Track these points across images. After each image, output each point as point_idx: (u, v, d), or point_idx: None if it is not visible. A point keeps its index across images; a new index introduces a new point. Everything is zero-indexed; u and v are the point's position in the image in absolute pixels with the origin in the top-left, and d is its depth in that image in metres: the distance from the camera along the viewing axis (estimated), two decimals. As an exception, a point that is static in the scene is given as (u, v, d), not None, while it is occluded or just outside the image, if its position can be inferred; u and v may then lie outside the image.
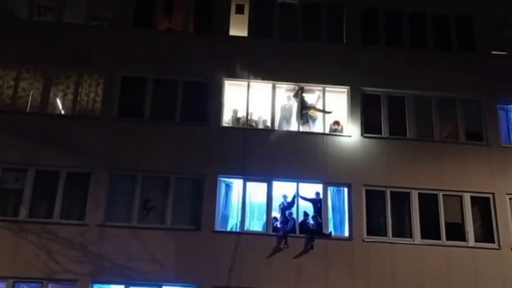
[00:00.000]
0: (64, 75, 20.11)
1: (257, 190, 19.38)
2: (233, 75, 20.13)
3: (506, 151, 20.14)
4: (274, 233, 18.64)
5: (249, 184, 19.19)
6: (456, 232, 19.11)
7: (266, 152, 19.28)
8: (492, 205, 19.43)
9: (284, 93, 20.55)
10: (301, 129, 20.07)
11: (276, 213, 19.21)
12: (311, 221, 19.04)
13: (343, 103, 20.46)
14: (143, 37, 20.59)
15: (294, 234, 18.57)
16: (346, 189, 19.37)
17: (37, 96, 19.81)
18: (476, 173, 19.71)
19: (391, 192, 19.35)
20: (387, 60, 20.83)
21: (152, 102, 19.92)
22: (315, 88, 20.61)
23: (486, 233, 19.27)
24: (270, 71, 20.28)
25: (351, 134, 19.88)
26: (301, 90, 20.41)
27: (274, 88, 20.37)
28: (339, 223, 19.28)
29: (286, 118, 20.30)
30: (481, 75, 20.93)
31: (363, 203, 19.12)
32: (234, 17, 21.37)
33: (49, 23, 20.93)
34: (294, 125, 20.20)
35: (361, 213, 18.99)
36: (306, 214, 19.11)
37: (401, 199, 19.37)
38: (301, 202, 19.19)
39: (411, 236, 18.97)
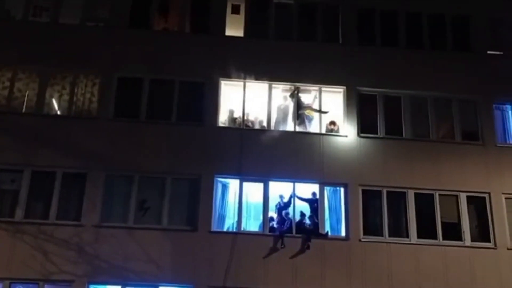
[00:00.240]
0: (60, 75, 20.08)
1: (253, 190, 19.38)
2: (229, 75, 20.14)
3: (502, 151, 20.17)
4: (270, 233, 18.65)
5: (245, 184, 19.19)
6: (453, 231, 19.13)
7: (263, 152, 19.28)
8: (488, 204, 19.46)
9: (281, 93, 20.56)
10: (297, 129, 20.07)
11: (272, 213, 19.22)
12: (307, 221, 19.05)
13: (339, 103, 20.47)
14: (139, 38, 20.57)
15: (291, 234, 18.57)
16: (342, 189, 19.38)
17: (33, 97, 19.77)
18: (472, 173, 19.74)
19: (388, 192, 19.36)
20: (383, 60, 20.85)
21: (148, 102, 19.89)
22: (311, 88, 20.62)
23: (482, 232, 19.29)
24: (266, 71, 20.28)
25: (347, 134, 19.90)
26: (297, 90, 20.42)
27: (270, 88, 20.37)
28: (335, 223, 19.29)
29: (282, 118, 20.31)
30: (477, 75, 20.97)
31: (359, 203, 19.13)
32: (230, 17, 21.37)
33: (45, 23, 20.89)
34: (290, 125, 20.21)
35: (357, 213, 19.00)
36: (302, 214, 19.13)
37: (397, 199, 19.38)
38: (298, 202, 19.19)
39: (407, 236, 18.99)
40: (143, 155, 18.99)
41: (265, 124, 20.12)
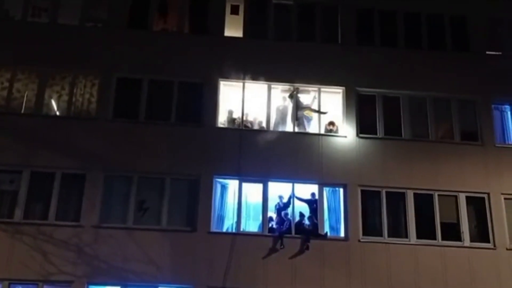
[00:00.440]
0: (59, 76, 20.07)
1: (252, 191, 19.38)
2: (229, 76, 20.14)
3: (501, 151, 20.19)
4: (270, 234, 18.64)
5: (244, 184, 19.20)
6: (452, 232, 19.15)
7: (262, 152, 19.28)
8: (487, 205, 19.49)
9: (280, 93, 20.57)
10: (297, 129, 20.07)
11: (272, 214, 19.22)
12: (307, 222, 19.06)
13: (338, 103, 20.47)
14: (138, 38, 20.56)
15: (290, 235, 18.58)
16: (341, 190, 19.39)
17: (32, 97, 19.76)
18: (471, 173, 19.76)
19: (387, 192, 19.37)
20: (382, 61, 20.86)
21: (147, 103, 19.89)
22: (310, 88, 20.62)
23: (481, 233, 19.31)
24: (266, 72, 20.28)
25: (347, 135, 19.90)
26: (297, 90, 20.42)
27: (269, 88, 20.38)
28: (334, 224, 19.29)
29: (281, 119, 20.31)
30: (476, 75, 20.98)
31: (358, 204, 19.14)
32: (229, 18, 21.36)
33: (44, 24, 20.87)
34: (289, 126, 20.21)
35: (356, 213, 19.00)
36: (302, 215, 19.14)
37: (396, 199, 19.39)
38: (297, 203, 19.20)
39: (406, 236, 19.00)
40: (142, 156, 18.97)
41: (264, 124, 20.12)
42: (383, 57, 20.93)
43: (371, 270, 18.34)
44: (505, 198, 19.55)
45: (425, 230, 19.05)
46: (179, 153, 19.16)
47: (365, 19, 21.69)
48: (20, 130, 19.01)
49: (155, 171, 18.95)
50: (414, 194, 19.43)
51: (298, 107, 20.29)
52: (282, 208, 19.14)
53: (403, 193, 19.42)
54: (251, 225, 19.65)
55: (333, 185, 19.45)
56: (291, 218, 18.90)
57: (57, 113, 19.96)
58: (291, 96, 20.38)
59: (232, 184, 19.40)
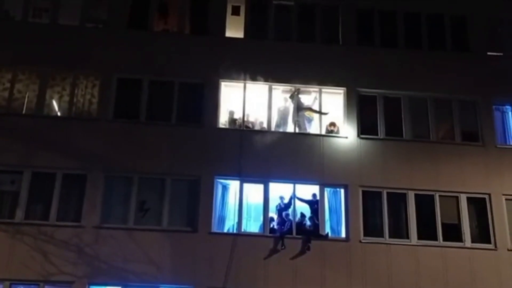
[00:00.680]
0: (59, 76, 20.07)
1: (253, 191, 19.37)
2: (230, 76, 20.16)
3: (502, 152, 20.19)
4: (271, 235, 18.63)
5: (245, 185, 19.18)
6: (453, 232, 19.13)
7: (263, 153, 19.27)
8: (488, 205, 19.47)
9: (281, 94, 20.57)
10: (297, 130, 20.06)
11: (273, 214, 19.21)
12: (308, 222, 19.06)
13: (339, 104, 20.47)
14: (139, 39, 20.56)
15: (291, 235, 18.57)
16: (342, 190, 19.37)
17: (33, 98, 19.76)
18: (472, 173, 19.75)
19: (388, 193, 19.36)
20: (383, 61, 20.85)
21: (148, 103, 19.89)
22: (311, 89, 20.62)
23: (482, 233, 19.29)
24: (266, 72, 20.29)
25: (348, 135, 19.90)
26: (298, 91, 20.42)
27: (270, 89, 20.37)
28: (335, 224, 19.29)
29: (282, 120, 20.32)
30: (476, 75, 20.97)
31: (359, 204, 19.13)
32: (230, 19, 21.35)
33: (45, 24, 20.87)
34: (290, 127, 20.21)
35: (357, 214, 18.99)
36: (303, 215, 19.14)
37: (397, 200, 19.38)
38: (298, 203, 19.18)
39: (407, 237, 18.98)
40: (143, 156, 18.97)
41: (265, 125, 20.12)
42: (383, 58, 20.94)
43: (372, 271, 18.33)
44: (506, 199, 19.53)
45: (426, 231, 19.04)
46: (180, 154, 19.15)
47: (366, 19, 21.69)
48: (21, 130, 19.01)
49: (156, 172, 18.94)
50: (415, 194, 19.42)
51: (299, 107, 20.29)
52: (283, 208, 19.12)
53: (404, 194, 19.41)
54: (252, 225, 19.64)
55: (334, 185, 19.44)
56: (292, 219, 18.88)
57: (58, 113, 19.97)
58: (292, 97, 20.38)
59: (233, 185, 19.40)
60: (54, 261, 17.62)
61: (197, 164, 19.00)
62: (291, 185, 19.27)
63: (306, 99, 20.57)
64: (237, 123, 20.09)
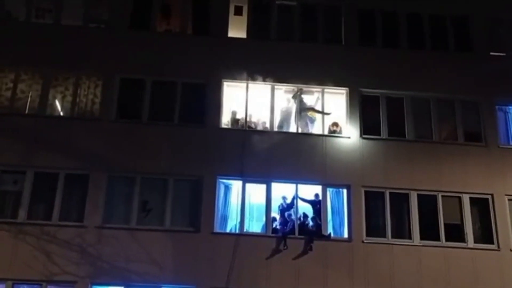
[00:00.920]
0: (62, 76, 20.09)
1: (256, 192, 19.36)
2: (232, 77, 20.17)
3: (505, 152, 20.15)
4: (273, 235, 18.62)
5: (248, 185, 19.17)
6: (455, 233, 19.10)
7: (265, 153, 19.28)
8: (491, 206, 19.43)
9: (283, 94, 20.56)
10: (300, 130, 20.06)
11: (275, 215, 19.21)
12: (310, 223, 19.05)
13: (342, 104, 20.46)
14: (141, 39, 20.58)
15: (293, 236, 18.56)
16: (345, 190, 19.36)
17: (35, 98, 19.78)
18: (475, 174, 19.72)
19: (390, 193, 19.34)
20: (386, 61, 20.86)
21: (150, 103, 19.90)
22: (314, 89, 20.63)
23: (485, 234, 19.26)
24: (269, 73, 20.29)
25: (350, 135, 19.89)
26: (300, 91, 20.43)
27: (273, 89, 20.38)
28: (338, 225, 19.27)
29: (285, 120, 20.31)
30: (479, 76, 20.94)
31: (362, 204, 19.11)
32: (232, 19, 21.35)
33: (47, 25, 20.89)
34: (293, 127, 20.21)
35: (360, 214, 18.98)
36: (305, 216, 19.13)
37: (400, 200, 19.36)
38: (300, 204, 19.18)
39: (410, 237, 18.96)
40: (145, 156, 18.98)
41: (267, 125, 20.12)
42: (386, 58, 20.94)
43: (374, 271, 18.31)
44: (509, 199, 19.50)
45: (429, 231, 19.01)
46: (182, 154, 19.16)
47: (368, 19, 21.68)
48: (24, 130, 19.02)
49: (158, 172, 18.95)
50: (418, 195, 19.40)
51: (301, 108, 20.30)
52: (285, 208, 19.12)
53: (407, 194, 19.39)
54: (255, 225, 19.65)
55: (337, 186, 19.42)
56: (294, 219, 18.88)
57: (61, 113, 20.02)
58: (294, 97, 20.38)
59: (236, 185, 19.40)
60: (57, 261, 17.64)
61: (199, 164, 19.00)
62: (293, 185, 19.26)
63: (309, 99, 20.58)
64: (239, 123, 20.10)
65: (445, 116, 20.67)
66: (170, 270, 17.92)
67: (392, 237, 18.93)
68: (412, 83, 20.65)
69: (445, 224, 19.15)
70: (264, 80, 20.26)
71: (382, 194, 19.34)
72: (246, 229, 19.03)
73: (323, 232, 18.74)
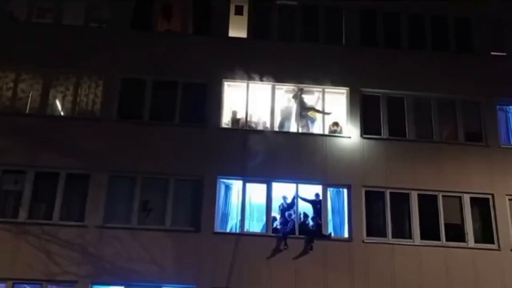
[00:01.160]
0: (63, 76, 20.11)
1: (256, 191, 19.35)
2: (233, 76, 20.15)
3: (506, 152, 20.15)
4: (273, 234, 18.62)
5: (248, 185, 19.18)
6: (456, 233, 19.10)
7: (266, 153, 19.24)
8: (491, 206, 19.44)
9: (284, 94, 20.57)
10: (301, 130, 20.06)
11: (275, 214, 19.22)
12: (310, 222, 19.06)
13: (343, 104, 20.46)
14: (142, 39, 20.60)
15: (294, 235, 18.56)
16: (345, 190, 19.37)
17: (36, 98, 19.80)
18: (476, 174, 19.71)
19: (391, 193, 19.35)
20: (386, 61, 20.86)
21: (151, 103, 19.91)
22: (314, 89, 20.63)
23: (485, 234, 19.25)
24: (270, 72, 20.26)
25: (351, 135, 19.89)
26: (301, 91, 20.43)
27: (273, 89, 20.37)
28: (338, 224, 19.28)
29: (285, 119, 20.31)
30: (480, 76, 20.94)
31: (362, 204, 19.11)
32: (233, 18, 21.36)
33: (48, 24, 20.93)
34: (293, 127, 20.21)
35: (360, 214, 18.98)
36: (305, 215, 19.13)
37: (400, 200, 19.36)
38: (301, 203, 19.19)
39: (410, 237, 18.96)
40: (146, 156, 18.98)
41: (268, 125, 20.12)
42: (387, 58, 20.94)
43: (375, 271, 18.31)
44: (509, 199, 19.51)
45: (429, 231, 19.01)
46: (183, 154, 19.16)
47: (369, 20, 21.68)
48: (25, 130, 19.01)
49: (159, 172, 18.96)
50: (418, 195, 19.40)
51: (302, 107, 20.30)
52: (286, 208, 19.14)
53: (407, 194, 19.39)
54: (255, 225, 19.65)
55: (337, 185, 19.43)
56: (295, 219, 18.88)
57: (62, 113, 20.02)
58: (295, 97, 20.38)
59: (236, 185, 19.42)
60: (57, 260, 17.66)
61: (200, 164, 19.02)
62: (294, 185, 19.27)
63: (309, 99, 20.60)
64: (240, 123, 20.10)
65: (445, 116, 20.67)
66: (171, 270, 17.93)
67: (393, 237, 18.93)
68: (413, 83, 20.64)
69: (445, 224, 19.16)
70: (264, 80, 20.24)
71: (382, 194, 19.34)
72: (247, 229, 19.02)
73: (324, 232, 18.75)
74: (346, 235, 18.96)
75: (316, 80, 20.45)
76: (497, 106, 20.86)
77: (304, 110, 20.31)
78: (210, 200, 18.71)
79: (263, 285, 17.94)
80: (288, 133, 20.06)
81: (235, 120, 20.19)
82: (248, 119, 20.10)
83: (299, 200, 19.16)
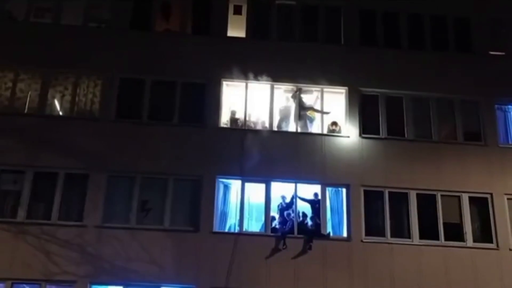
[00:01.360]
0: (62, 76, 20.10)
1: (255, 191, 19.35)
2: (231, 76, 20.13)
3: (504, 152, 20.16)
4: (272, 234, 18.62)
5: (247, 185, 19.17)
6: (455, 232, 19.10)
7: (264, 152, 19.24)
8: (490, 205, 19.44)
9: (283, 94, 20.57)
10: (299, 130, 20.06)
11: (274, 214, 19.22)
12: (309, 222, 19.06)
13: (341, 103, 20.46)
14: (141, 39, 20.60)
15: (293, 235, 18.56)
16: (344, 190, 19.37)
17: (35, 97, 19.78)
18: (474, 173, 19.72)
19: (390, 193, 19.35)
20: (385, 61, 20.86)
21: (150, 103, 19.90)
22: (313, 89, 20.63)
23: (484, 233, 19.26)
24: (268, 72, 20.26)
25: (349, 135, 19.89)
26: (299, 91, 20.43)
27: (272, 88, 20.37)
28: (337, 224, 19.27)
29: (284, 119, 20.31)
30: (478, 75, 20.95)
31: (361, 204, 19.12)
32: (232, 18, 21.36)
33: (47, 24, 20.90)
34: (292, 126, 20.20)
35: (359, 213, 18.98)
36: (304, 215, 19.14)
37: (399, 200, 19.36)
38: (300, 203, 19.19)
39: (409, 237, 18.96)
40: (145, 156, 18.99)
41: (267, 124, 20.12)
42: (386, 58, 20.94)
43: (373, 271, 18.32)
44: (508, 199, 19.52)
45: (428, 231, 19.02)
46: (181, 153, 19.16)
47: (368, 19, 21.67)
48: (23, 130, 19.01)
49: (158, 172, 18.96)
50: (417, 194, 19.40)
51: (301, 107, 20.30)
52: (284, 208, 19.14)
53: (406, 194, 19.39)
54: (254, 225, 19.66)
55: (336, 185, 19.43)
56: (293, 218, 18.89)
57: (60, 113, 20.01)
58: (294, 96, 20.38)
59: (235, 184, 19.40)
60: (56, 260, 17.65)
61: (199, 164, 19.02)
62: (292, 185, 19.26)
63: (308, 99, 20.60)
64: (238, 123, 20.10)
65: (444, 115, 20.68)
66: (170, 270, 17.93)
67: (392, 236, 18.93)
68: (412, 83, 20.64)
69: (444, 224, 19.16)
70: (263, 80, 20.23)
71: (381, 194, 19.34)
72: (246, 229, 19.04)
73: (322, 232, 18.75)
74: (345, 234, 18.96)
75: (315, 80, 20.46)
76: (496, 106, 20.87)
77: (303, 110, 20.31)
78: (209, 200, 18.71)
79: (262, 284, 17.95)
80: (286, 132, 20.06)
81: (233, 120, 20.19)
82: (247, 118, 20.10)
83: (298, 199, 19.15)
